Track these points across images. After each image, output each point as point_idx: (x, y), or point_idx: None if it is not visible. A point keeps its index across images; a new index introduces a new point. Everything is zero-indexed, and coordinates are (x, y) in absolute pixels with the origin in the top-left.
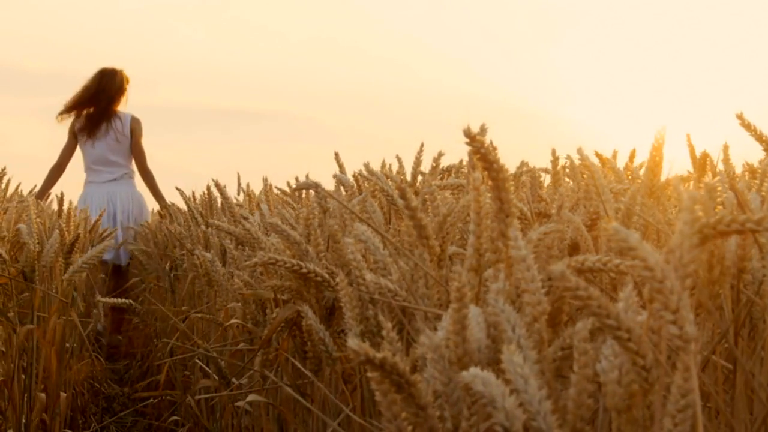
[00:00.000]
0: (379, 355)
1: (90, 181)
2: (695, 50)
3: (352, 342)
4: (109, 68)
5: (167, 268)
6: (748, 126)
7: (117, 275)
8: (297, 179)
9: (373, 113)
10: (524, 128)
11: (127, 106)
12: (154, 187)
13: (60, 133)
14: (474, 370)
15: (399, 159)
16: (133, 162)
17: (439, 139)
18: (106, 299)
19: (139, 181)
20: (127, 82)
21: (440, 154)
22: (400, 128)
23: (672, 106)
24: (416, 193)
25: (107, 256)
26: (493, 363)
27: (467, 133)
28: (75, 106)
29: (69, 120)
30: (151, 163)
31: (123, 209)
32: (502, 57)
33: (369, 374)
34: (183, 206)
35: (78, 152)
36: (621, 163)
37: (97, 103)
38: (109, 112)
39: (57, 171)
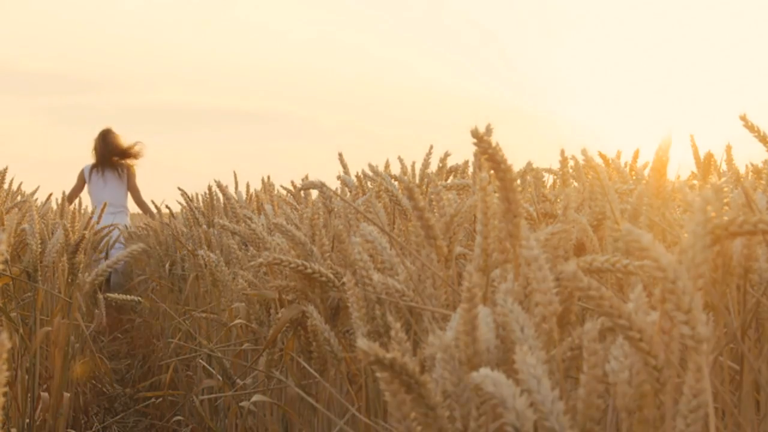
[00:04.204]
0: (388, 356)
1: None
2: (695, 50)
3: (362, 342)
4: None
5: (168, 267)
6: (751, 127)
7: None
8: (289, 185)
9: (373, 113)
10: (524, 128)
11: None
12: (147, 213)
13: (59, 133)
14: (484, 371)
15: (401, 160)
16: (129, 198)
17: (440, 139)
18: (115, 295)
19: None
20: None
21: (447, 155)
22: (400, 128)
23: (672, 106)
24: (424, 194)
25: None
26: (502, 363)
27: (475, 133)
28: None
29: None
30: (152, 163)
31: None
32: (503, 57)
33: (378, 374)
34: (176, 208)
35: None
36: (623, 163)
37: (107, 158)
38: (115, 163)
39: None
